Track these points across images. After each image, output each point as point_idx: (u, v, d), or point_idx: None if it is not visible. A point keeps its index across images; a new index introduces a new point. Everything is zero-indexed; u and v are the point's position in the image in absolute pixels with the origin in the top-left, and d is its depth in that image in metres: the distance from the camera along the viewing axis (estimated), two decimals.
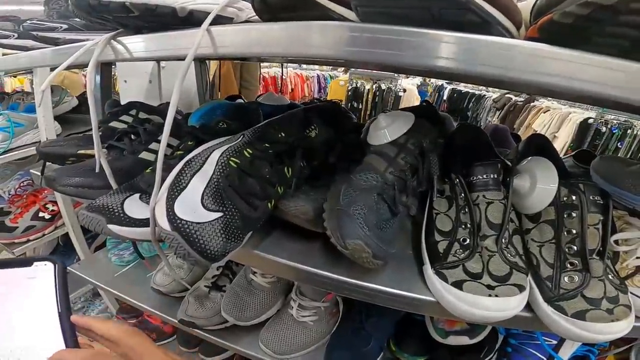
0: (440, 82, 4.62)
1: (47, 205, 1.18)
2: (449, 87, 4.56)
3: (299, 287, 0.74)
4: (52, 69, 0.88)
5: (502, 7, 0.26)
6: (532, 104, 3.57)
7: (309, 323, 0.72)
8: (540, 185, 0.45)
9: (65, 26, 0.67)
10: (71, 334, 0.40)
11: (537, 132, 2.91)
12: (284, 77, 3.95)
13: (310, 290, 0.73)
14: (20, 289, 0.41)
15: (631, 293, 0.42)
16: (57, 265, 0.42)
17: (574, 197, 0.43)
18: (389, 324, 0.76)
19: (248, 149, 0.44)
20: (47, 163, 0.75)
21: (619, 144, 3.07)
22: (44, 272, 0.41)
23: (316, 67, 4.58)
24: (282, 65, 2.32)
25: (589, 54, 0.25)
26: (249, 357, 0.73)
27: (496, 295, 0.39)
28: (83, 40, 0.54)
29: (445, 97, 4.58)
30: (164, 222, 0.35)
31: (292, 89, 4.34)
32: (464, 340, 0.66)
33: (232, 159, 0.42)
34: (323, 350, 0.73)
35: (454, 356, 0.68)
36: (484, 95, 4.14)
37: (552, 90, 0.26)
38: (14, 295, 0.41)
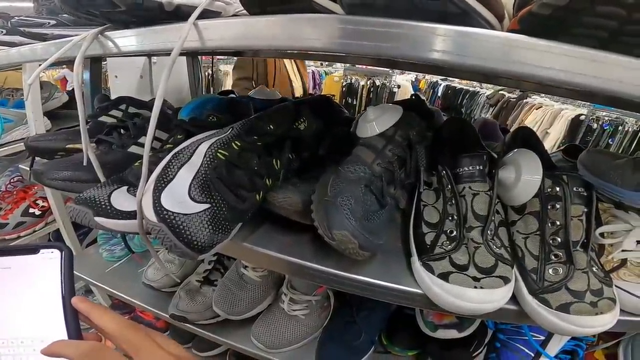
0: (435, 78, 4.63)
1: (37, 202, 1.17)
2: (444, 83, 4.57)
3: (290, 281, 0.75)
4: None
5: None
6: (524, 100, 3.60)
7: (301, 317, 0.73)
8: (524, 177, 0.45)
9: (53, 22, 0.66)
10: (74, 324, 0.39)
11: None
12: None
13: (301, 284, 0.73)
14: (25, 277, 0.40)
15: (616, 286, 0.42)
16: (63, 252, 0.40)
17: (557, 189, 0.43)
18: (380, 318, 0.77)
19: (236, 142, 0.44)
20: (36, 158, 0.74)
21: (610, 140, 3.10)
22: (51, 260, 0.40)
23: (311, 63, 4.56)
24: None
25: (562, 44, 0.26)
26: (241, 351, 0.74)
27: (481, 287, 0.39)
28: (71, 36, 0.53)
29: (439, 94, 4.59)
30: (150, 214, 0.35)
31: None
32: (453, 333, 0.67)
33: (220, 151, 0.42)
34: (315, 344, 0.73)
35: (444, 350, 0.69)
36: (478, 91, 4.16)
37: (527, 80, 0.27)
38: (19, 283, 0.40)
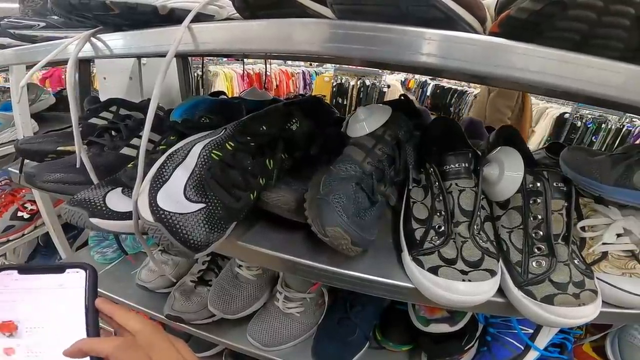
0: (424, 78, 4.70)
1: (25, 205, 1.15)
2: (432, 83, 4.64)
3: (285, 279, 0.75)
4: (28, 66, 0.86)
5: (464, 4, 0.28)
6: None
7: (296, 315, 0.73)
8: (507, 173, 0.47)
9: (43, 24, 0.66)
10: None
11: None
12: (268, 73, 3.94)
13: (296, 281, 0.74)
14: (50, 296, 0.41)
15: (598, 279, 0.44)
16: (88, 272, 0.41)
17: (538, 184, 0.45)
18: (372, 313, 0.78)
19: (230, 142, 0.45)
20: (26, 161, 0.73)
21: (593, 137, 3.18)
22: (76, 280, 0.41)
23: (301, 63, 4.58)
24: (266, 61, 2.31)
25: (537, 47, 0.27)
26: (238, 350, 0.74)
27: (469, 280, 0.40)
28: (61, 38, 0.53)
29: (428, 93, 4.66)
30: (146, 214, 0.36)
31: (276, 86, 4.32)
32: (445, 327, 0.68)
33: (214, 151, 0.43)
34: (311, 341, 0.74)
35: (437, 344, 0.70)
36: (466, 91, 4.24)
37: (506, 80, 0.29)
38: (44, 302, 0.41)
